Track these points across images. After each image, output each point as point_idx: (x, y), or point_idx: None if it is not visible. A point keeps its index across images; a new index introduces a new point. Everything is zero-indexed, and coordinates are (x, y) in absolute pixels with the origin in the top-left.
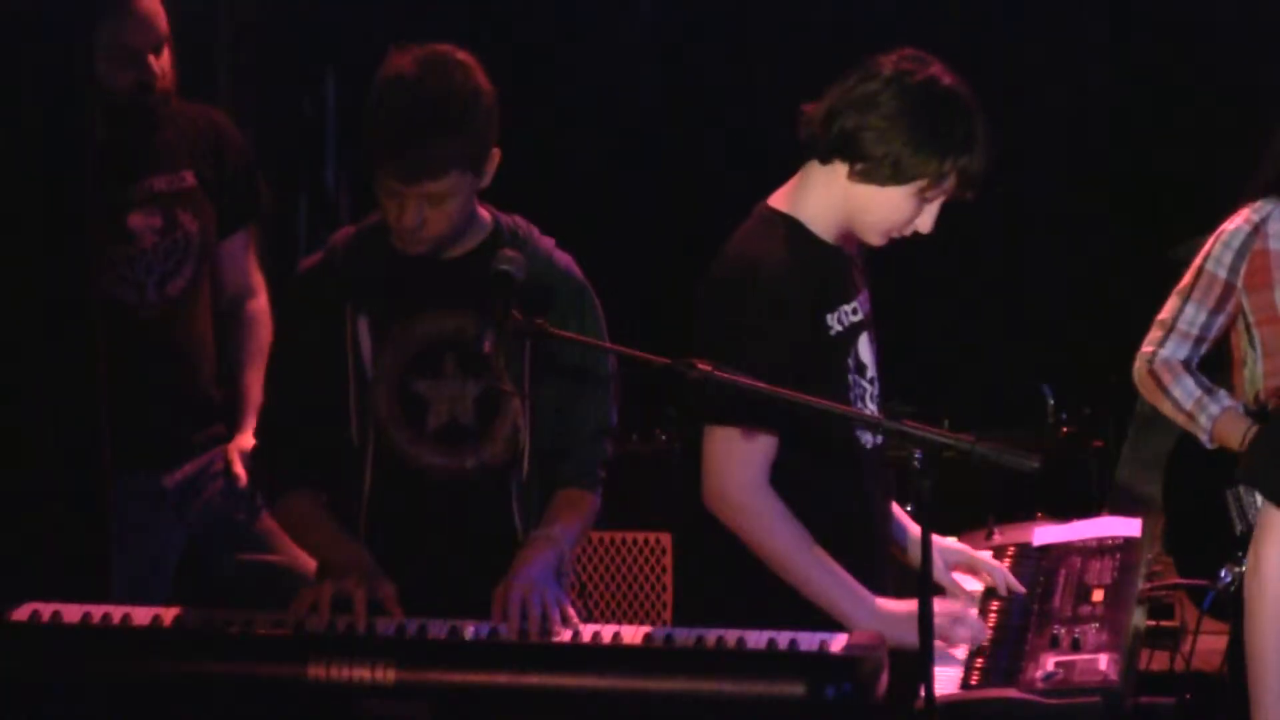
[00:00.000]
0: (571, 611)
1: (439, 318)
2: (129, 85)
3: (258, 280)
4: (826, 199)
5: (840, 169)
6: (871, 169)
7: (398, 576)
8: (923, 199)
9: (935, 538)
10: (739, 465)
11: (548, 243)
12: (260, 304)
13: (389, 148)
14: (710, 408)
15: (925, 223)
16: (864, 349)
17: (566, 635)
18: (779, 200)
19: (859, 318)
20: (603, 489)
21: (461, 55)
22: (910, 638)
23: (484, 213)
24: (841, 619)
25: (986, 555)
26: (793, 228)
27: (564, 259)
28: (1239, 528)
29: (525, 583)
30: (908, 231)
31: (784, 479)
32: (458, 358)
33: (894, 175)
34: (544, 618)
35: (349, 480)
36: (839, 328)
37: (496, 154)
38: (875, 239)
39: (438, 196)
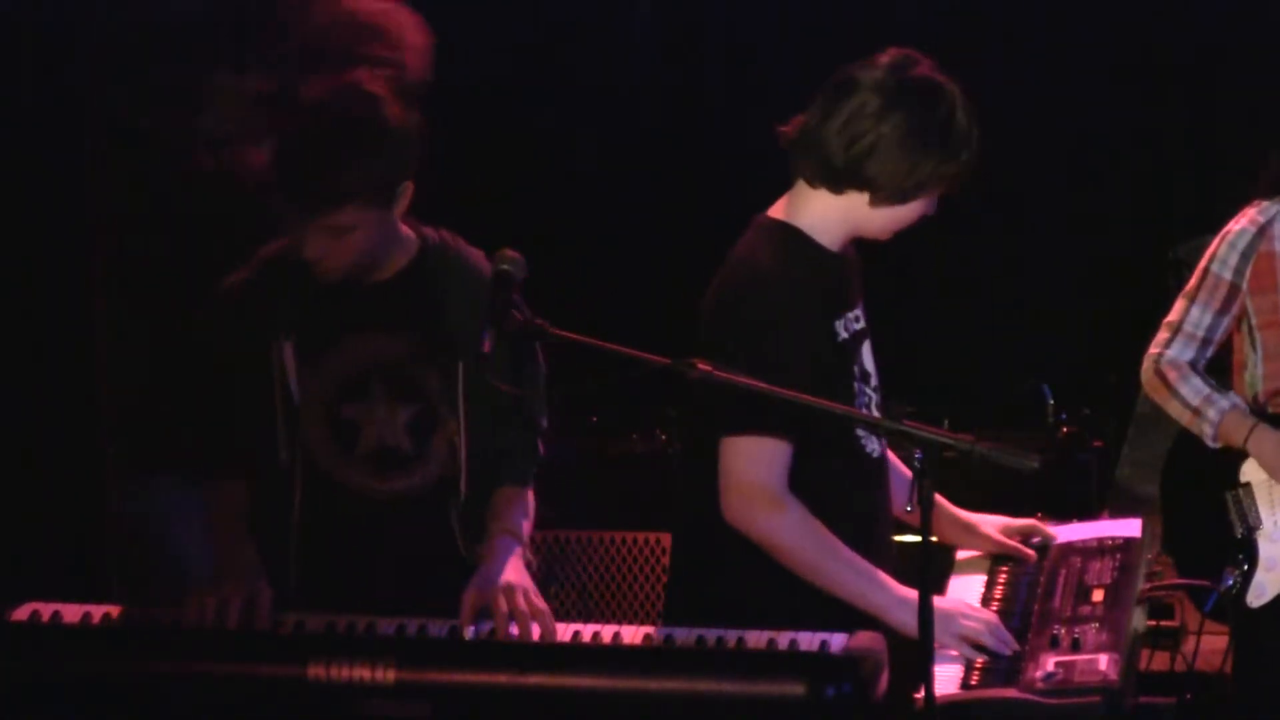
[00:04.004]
0: (544, 606)
1: (365, 341)
2: None
3: None
4: (829, 211)
5: (855, 195)
6: (894, 195)
7: (332, 597)
8: (935, 194)
9: (981, 517)
10: (759, 474)
11: (477, 254)
12: None
13: (282, 178)
14: (724, 418)
15: (930, 206)
16: (866, 357)
17: (567, 635)
18: (778, 212)
19: (861, 325)
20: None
21: (373, 86)
22: (946, 628)
23: (407, 231)
24: (878, 614)
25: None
26: (796, 237)
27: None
28: (1239, 530)
29: (512, 589)
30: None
31: (793, 488)
32: (385, 381)
33: (918, 192)
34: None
35: (279, 499)
36: (845, 335)
37: (409, 187)
38: (885, 236)
39: (337, 230)
